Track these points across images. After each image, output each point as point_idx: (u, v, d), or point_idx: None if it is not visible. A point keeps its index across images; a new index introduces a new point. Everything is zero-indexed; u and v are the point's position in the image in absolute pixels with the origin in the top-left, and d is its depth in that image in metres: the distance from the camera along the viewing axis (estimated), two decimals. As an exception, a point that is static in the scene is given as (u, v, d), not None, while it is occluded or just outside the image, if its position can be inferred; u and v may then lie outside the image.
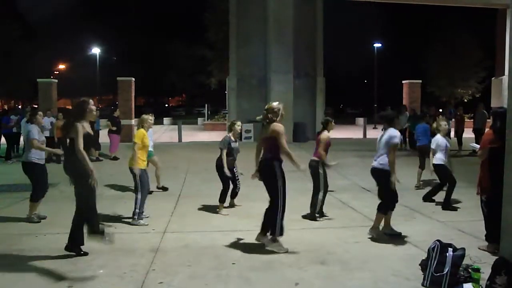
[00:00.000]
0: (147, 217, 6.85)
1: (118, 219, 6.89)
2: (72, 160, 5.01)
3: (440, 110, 20.36)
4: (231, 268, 4.84)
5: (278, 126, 5.36)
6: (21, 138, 14.21)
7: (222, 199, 7.47)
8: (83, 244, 5.24)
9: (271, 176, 5.37)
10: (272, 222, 5.39)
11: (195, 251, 5.41)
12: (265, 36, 19.23)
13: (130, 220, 6.69)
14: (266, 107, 5.58)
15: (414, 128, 15.58)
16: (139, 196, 6.63)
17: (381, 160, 5.87)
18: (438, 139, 7.66)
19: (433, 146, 7.70)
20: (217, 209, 7.44)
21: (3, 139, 14.28)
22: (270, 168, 5.37)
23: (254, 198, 7.70)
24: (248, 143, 16.04)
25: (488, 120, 11.75)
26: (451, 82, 36.43)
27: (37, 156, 6.63)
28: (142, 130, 6.88)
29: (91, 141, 5.59)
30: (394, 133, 5.86)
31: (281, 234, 5.41)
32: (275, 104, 5.54)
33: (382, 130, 6.13)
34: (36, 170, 6.63)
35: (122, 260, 5.07)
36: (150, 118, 7.20)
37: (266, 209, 5.49)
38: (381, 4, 27.87)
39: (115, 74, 22.46)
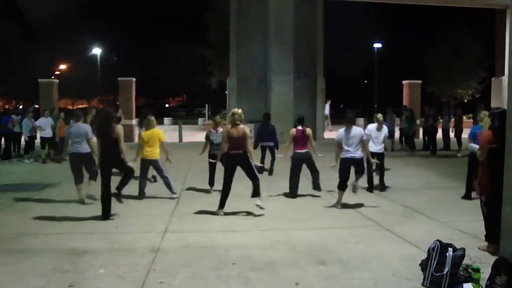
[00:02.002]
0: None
1: (119, 219, 6.90)
2: (114, 154, 6.78)
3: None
4: (232, 268, 4.86)
5: (247, 129, 7.14)
6: (22, 138, 14.23)
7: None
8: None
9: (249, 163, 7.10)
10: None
11: (196, 251, 5.42)
12: (265, 37, 19.24)
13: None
14: (237, 112, 7.06)
15: (410, 129, 15.64)
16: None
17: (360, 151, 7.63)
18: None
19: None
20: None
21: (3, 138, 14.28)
22: (248, 158, 7.04)
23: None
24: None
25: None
26: (451, 82, 36.42)
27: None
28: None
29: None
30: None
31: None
32: (240, 110, 7.12)
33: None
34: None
35: (123, 259, 5.09)
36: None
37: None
38: (381, 5, 27.91)
39: (116, 74, 22.45)
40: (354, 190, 7.67)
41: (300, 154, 8.36)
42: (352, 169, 7.66)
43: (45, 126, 13.35)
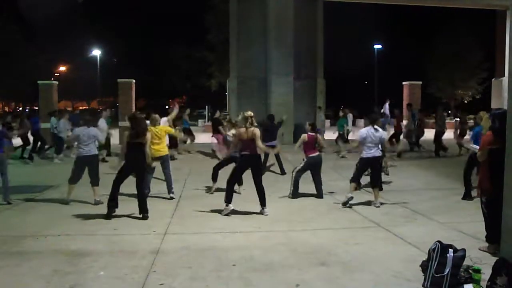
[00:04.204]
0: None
1: (119, 221, 6.90)
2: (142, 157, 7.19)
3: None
4: (232, 269, 4.85)
5: (257, 130, 7.26)
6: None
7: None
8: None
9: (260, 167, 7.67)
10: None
11: (196, 252, 5.42)
12: (265, 38, 19.24)
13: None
14: (252, 114, 7.22)
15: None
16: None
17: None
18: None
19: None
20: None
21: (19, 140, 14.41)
22: (260, 161, 7.63)
23: (255, 199, 7.71)
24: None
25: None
26: (451, 83, 36.43)
27: None
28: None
29: None
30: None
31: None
32: (253, 114, 7.27)
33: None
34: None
35: (123, 261, 5.08)
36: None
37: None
38: (380, 6, 27.90)
39: (116, 75, 22.46)
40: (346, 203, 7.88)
41: (315, 157, 8.63)
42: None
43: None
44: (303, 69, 19.80)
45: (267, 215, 7.21)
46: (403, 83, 22.31)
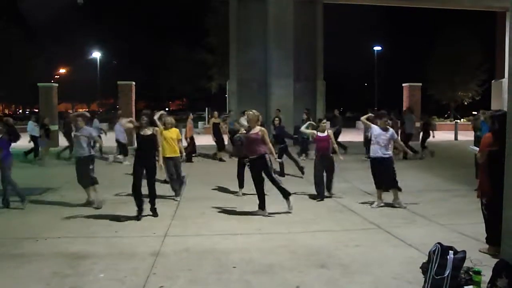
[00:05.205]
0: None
1: (119, 223, 6.89)
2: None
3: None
4: (232, 271, 4.84)
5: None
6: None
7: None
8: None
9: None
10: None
11: (196, 254, 5.41)
12: (265, 40, 19.27)
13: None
14: (259, 114, 7.38)
15: None
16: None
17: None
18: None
19: None
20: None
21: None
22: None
23: (255, 201, 7.71)
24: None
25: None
26: (451, 84, 36.40)
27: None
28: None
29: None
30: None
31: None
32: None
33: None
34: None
35: (123, 264, 5.08)
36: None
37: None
38: (380, 7, 27.96)
39: (116, 78, 22.50)
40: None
41: None
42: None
43: None
44: (303, 70, 19.83)
45: (266, 215, 7.21)
46: (403, 85, 22.33)
